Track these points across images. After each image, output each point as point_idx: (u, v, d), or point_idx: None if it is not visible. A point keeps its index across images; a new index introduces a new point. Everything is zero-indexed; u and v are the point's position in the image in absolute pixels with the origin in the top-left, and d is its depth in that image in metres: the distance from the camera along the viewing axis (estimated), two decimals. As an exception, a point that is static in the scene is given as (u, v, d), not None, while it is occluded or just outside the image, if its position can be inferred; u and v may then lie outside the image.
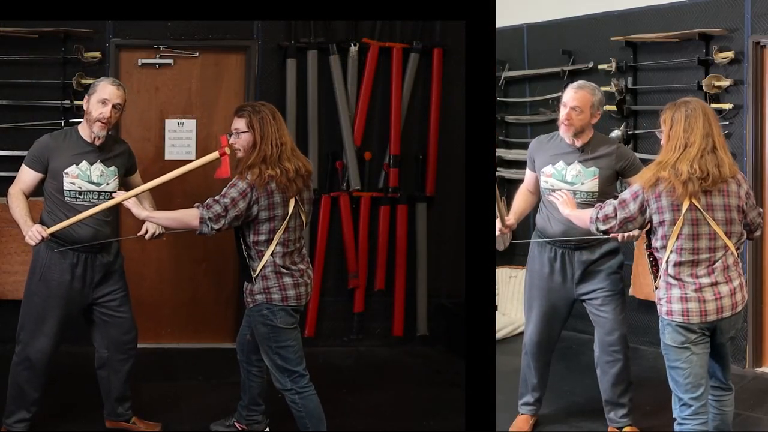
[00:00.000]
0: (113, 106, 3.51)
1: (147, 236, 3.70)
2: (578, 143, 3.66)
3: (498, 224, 3.67)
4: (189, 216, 3.34)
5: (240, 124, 3.43)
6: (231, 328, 5.35)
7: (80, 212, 3.49)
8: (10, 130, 4.89)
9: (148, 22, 4.98)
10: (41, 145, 3.57)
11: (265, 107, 3.45)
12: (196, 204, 3.34)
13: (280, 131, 3.41)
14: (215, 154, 3.40)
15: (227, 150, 3.39)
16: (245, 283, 3.48)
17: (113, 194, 3.57)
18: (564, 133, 3.64)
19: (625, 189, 3.55)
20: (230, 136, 3.46)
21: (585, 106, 3.60)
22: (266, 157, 3.34)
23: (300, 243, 3.51)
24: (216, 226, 3.29)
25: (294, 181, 3.40)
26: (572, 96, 3.61)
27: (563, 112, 3.62)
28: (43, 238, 3.41)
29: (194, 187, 5.19)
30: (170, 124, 5.19)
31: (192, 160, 5.15)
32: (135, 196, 3.48)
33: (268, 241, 3.39)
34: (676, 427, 3.05)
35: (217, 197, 3.32)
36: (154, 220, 3.51)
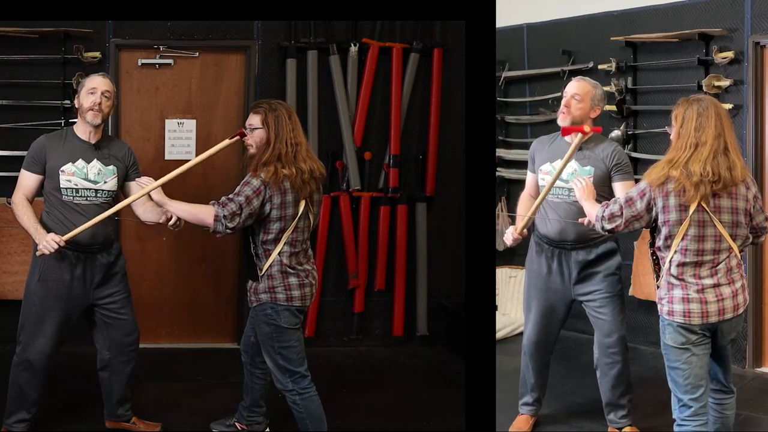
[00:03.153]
0: (102, 93, 3.53)
1: (170, 224, 3.53)
2: (577, 140, 3.66)
3: (512, 232, 3.57)
4: (204, 212, 3.31)
5: (255, 120, 3.42)
6: (231, 328, 5.35)
7: (77, 211, 3.50)
8: (10, 130, 4.89)
9: (148, 22, 4.99)
10: (37, 146, 3.57)
11: (281, 106, 3.45)
12: (211, 201, 3.32)
13: (295, 131, 3.40)
14: (232, 140, 3.39)
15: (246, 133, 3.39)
16: (249, 282, 3.47)
17: (114, 191, 3.61)
18: (561, 121, 3.63)
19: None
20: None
21: (585, 96, 3.61)
22: (281, 155, 3.34)
23: (306, 244, 3.50)
24: (231, 225, 3.27)
25: (308, 183, 3.40)
26: (573, 85, 3.63)
27: (563, 100, 3.63)
28: (58, 246, 3.39)
29: (194, 187, 5.20)
30: (170, 124, 5.19)
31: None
32: (158, 186, 3.44)
33: (276, 241, 3.38)
34: (676, 428, 3.04)
35: (231, 195, 3.30)
36: (171, 208, 3.44)
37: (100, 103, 3.52)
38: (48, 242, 3.38)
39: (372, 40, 5.25)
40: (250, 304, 3.51)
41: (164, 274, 5.30)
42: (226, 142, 3.41)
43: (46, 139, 3.59)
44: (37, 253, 3.44)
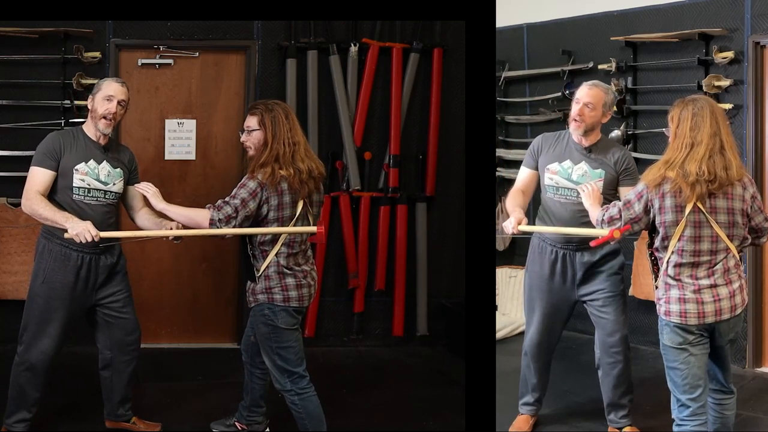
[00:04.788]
0: (118, 103, 3.52)
1: (171, 237, 3.49)
2: (585, 143, 3.65)
3: (514, 225, 3.48)
4: (200, 216, 3.31)
5: (252, 121, 3.42)
6: (231, 328, 5.35)
7: (86, 211, 3.47)
8: (10, 130, 4.89)
9: (148, 22, 4.99)
10: (52, 141, 3.50)
11: (278, 106, 3.44)
12: (207, 205, 3.32)
13: (293, 130, 3.39)
14: (313, 228, 3.37)
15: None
16: (248, 282, 3.47)
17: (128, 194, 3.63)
18: (575, 129, 3.61)
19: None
20: (242, 133, 3.45)
21: (598, 104, 3.59)
22: (279, 156, 3.32)
23: (305, 245, 3.49)
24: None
25: (306, 183, 3.38)
26: (586, 93, 3.59)
27: (575, 108, 3.59)
28: (92, 239, 3.31)
29: (193, 187, 5.21)
30: (170, 124, 5.19)
31: (192, 160, 5.20)
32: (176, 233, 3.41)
33: (274, 242, 3.38)
34: (675, 428, 3.04)
35: (227, 198, 3.29)
36: (168, 213, 3.43)
37: (114, 113, 3.51)
38: (85, 231, 3.28)
39: (372, 40, 5.25)
40: (248, 305, 3.51)
41: (164, 274, 5.30)
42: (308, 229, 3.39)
43: (60, 136, 3.54)
44: (65, 235, 3.33)
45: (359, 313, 5.43)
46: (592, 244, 3.24)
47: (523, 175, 3.84)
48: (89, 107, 3.55)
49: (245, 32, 5.15)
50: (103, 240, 3.42)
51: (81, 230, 3.30)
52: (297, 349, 3.46)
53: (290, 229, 3.34)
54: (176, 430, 3.97)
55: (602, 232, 3.08)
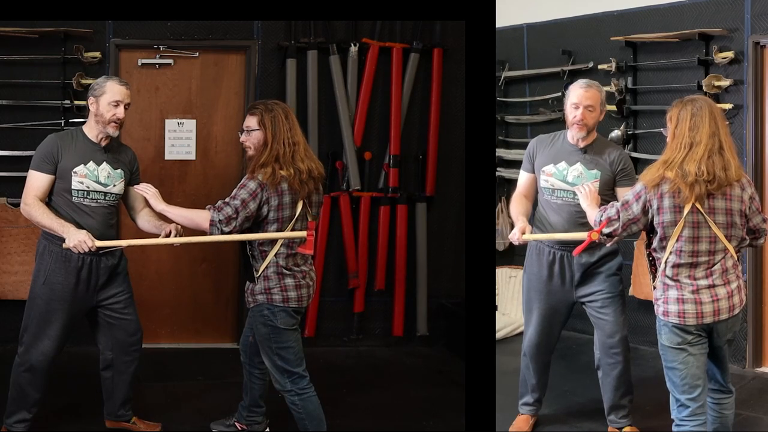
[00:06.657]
0: (124, 107, 3.52)
1: (170, 241, 3.53)
2: (581, 144, 3.64)
3: (519, 235, 3.51)
4: (201, 217, 3.31)
5: (251, 121, 3.41)
6: (231, 328, 5.35)
7: (86, 212, 3.48)
8: (10, 130, 4.89)
9: (148, 22, 4.99)
10: (50, 144, 3.50)
11: (278, 106, 3.44)
12: (208, 206, 3.32)
13: (292, 131, 3.39)
14: (303, 234, 3.37)
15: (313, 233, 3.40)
16: (247, 283, 3.47)
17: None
18: (577, 133, 3.59)
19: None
20: (241, 133, 3.46)
21: (596, 104, 3.59)
22: (279, 156, 3.32)
23: None
24: (227, 229, 3.26)
25: (306, 183, 3.38)
26: (584, 95, 3.58)
27: (576, 112, 3.57)
28: (89, 249, 3.36)
29: (193, 187, 5.21)
30: (170, 124, 5.19)
31: (192, 160, 5.20)
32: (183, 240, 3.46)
33: (273, 242, 3.37)
34: (675, 428, 3.04)
35: (227, 199, 3.29)
36: (168, 214, 3.43)
37: (122, 117, 3.51)
38: (82, 242, 3.33)
39: (372, 40, 5.25)
40: (247, 305, 3.51)
41: (164, 274, 5.30)
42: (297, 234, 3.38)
43: (57, 138, 3.53)
44: (64, 245, 3.37)
45: (359, 313, 5.43)
46: (574, 252, 3.27)
47: (522, 180, 3.85)
48: (90, 108, 3.54)
49: (245, 32, 5.15)
50: (101, 248, 3.45)
51: (78, 242, 3.34)
52: (296, 350, 3.46)
53: (277, 234, 3.34)
54: (176, 430, 3.97)
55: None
